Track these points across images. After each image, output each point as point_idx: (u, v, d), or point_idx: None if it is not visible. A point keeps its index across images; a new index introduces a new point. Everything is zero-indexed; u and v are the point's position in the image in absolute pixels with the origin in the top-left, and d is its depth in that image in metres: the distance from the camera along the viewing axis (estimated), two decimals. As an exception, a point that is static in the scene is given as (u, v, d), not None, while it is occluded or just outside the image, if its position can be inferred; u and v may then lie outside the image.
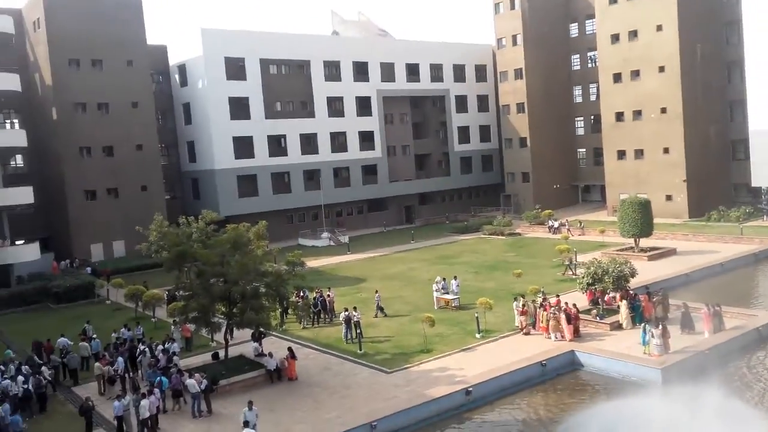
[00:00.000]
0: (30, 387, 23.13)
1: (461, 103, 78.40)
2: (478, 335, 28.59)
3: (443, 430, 20.69)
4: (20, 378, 23.67)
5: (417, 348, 27.50)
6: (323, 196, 65.87)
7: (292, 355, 25.36)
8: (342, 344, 29.03)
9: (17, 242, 47.94)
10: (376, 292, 35.04)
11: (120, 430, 20.58)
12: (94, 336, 29.33)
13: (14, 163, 57.01)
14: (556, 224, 58.33)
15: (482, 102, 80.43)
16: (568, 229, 55.91)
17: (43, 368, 25.40)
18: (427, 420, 21.00)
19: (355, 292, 37.81)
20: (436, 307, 33.88)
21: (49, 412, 23.43)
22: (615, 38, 62.22)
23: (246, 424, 18.75)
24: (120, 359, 25.36)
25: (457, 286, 35.15)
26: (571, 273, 39.11)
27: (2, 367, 25.11)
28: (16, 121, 56.64)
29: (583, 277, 30.74)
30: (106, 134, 55.41)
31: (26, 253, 46.01)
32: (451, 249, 54.10)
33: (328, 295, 33.98)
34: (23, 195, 46.96)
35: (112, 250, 55.87)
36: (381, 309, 33.40)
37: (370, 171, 71.55)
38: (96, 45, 54.77)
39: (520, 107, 72.00)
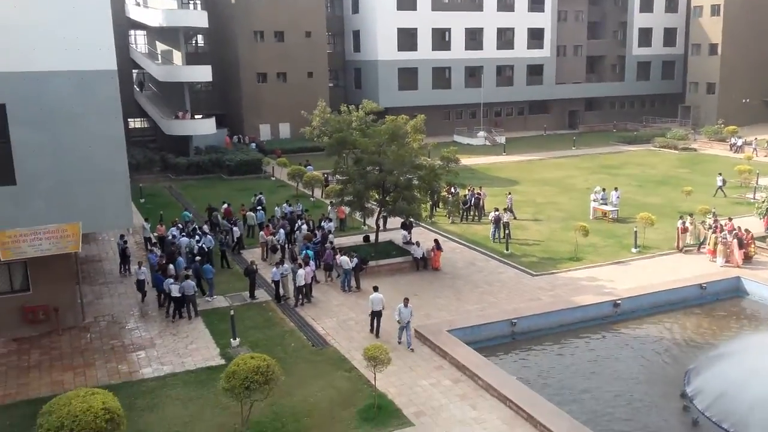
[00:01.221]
0: (204, 246, 25.63)
1: (647, 1, 71.18)
2: (634, 250, 27.27)
3: (586, 337, 20.30)
4: (196, 237, 26.29)
5: (566, 255, 26.88)
6: (483, 95, 64.24)
7: (438, 246, 25.84)
8: (488, 243, 29.02)
9: (196, 116, 52.05)
10: (509, 193, 34.29)
11: (277, 292, 22.47)
12: (259, 207, 31.68)
13: (195, 43, 60.93)
14: (739, 142, 52.80)
15: (671, 1, 72.49)
16: (754, 149, 50.42)
17: (235, 228, 28.31)
18: (569, 326, 20.64)
19: (507, 193, 37.10)
20: (591, 217, 32.62)
21: (221, 269, 25.87)
22: None
23: (376, 288, 19.70)
24: (281, 231, 27.36)
25: (618, 197, 33.42)
26: (723, 195, 36.24)
27: (180, 226, 28.00)
28: (198, 2, 59.95)
29: (762, 202, 27.92)
30: (278, 20, 57.19)
31: (204, 126, 50.02)
32: (615, 159, 51.13)
33: (479, 194, 33.78)
34: (202, 73, 50.60)
35: (279, 130, 59.18)
36: (510, 211, 31.99)
37: (535, 71, 68.23)
38: (273, -70, 55.65)
39: (714, 9, 64.23)
